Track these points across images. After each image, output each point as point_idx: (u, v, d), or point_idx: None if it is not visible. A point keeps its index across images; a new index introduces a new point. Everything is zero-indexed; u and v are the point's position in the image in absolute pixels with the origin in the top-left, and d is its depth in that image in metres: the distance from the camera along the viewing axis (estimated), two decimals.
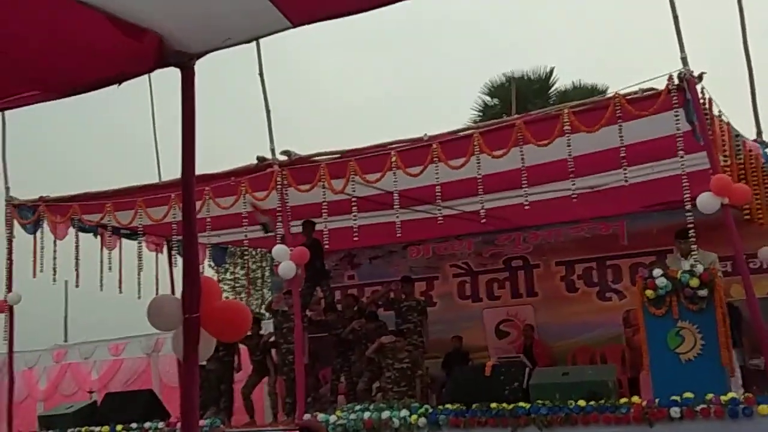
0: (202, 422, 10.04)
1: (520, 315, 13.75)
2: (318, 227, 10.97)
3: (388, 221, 10.29)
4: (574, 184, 8.42)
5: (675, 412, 7.73)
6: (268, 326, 13.27)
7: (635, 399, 8.16)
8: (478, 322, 13.99)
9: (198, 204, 9.76)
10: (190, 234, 3.52)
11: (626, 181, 8.23)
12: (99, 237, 11.98)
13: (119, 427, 10.87)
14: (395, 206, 9.16)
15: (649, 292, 8.30)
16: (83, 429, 11.10)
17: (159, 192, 10.47)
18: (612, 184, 10.29)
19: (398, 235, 9.27)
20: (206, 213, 10.09)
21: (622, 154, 7.97)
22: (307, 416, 9.58)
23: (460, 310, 14.22)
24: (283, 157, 10.00)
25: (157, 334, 15.38)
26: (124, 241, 12.20)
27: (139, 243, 11.38)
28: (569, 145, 8.08)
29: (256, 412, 12.41)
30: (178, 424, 10.33)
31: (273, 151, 9.97)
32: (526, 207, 8.70)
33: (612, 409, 8.06)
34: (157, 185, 10.75)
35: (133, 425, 10.88)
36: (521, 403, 8.55)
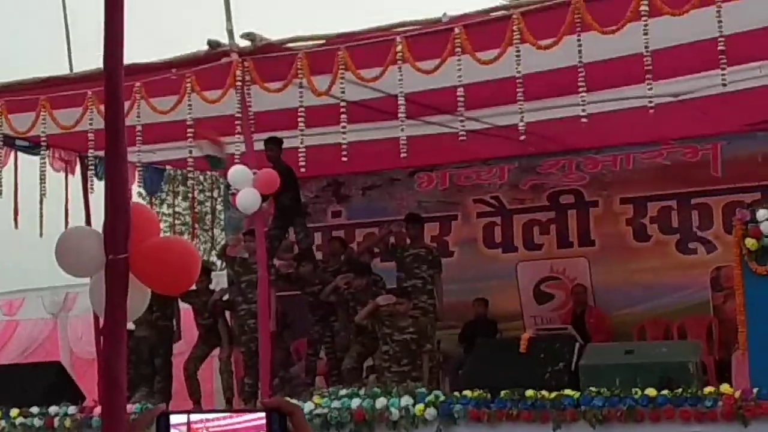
0: (130, 407, 10.16)
1: (569, 272, 13.82)
2: (291, 144, 10.94)
3: (389, 137, 10.26)
4: (651, 89, 8.36)
5: None
6: (220, 280, 13.35)
7: (725, 388, 8.26)
8: (510, 281, 14.06)
9: (126, 105, 9.72)
10: (116, 145, 3.49)
11: (725, 86, 8.18)
12: None
13: (14, 411, 11.01)
14: (400, 116, 9.12)
15: (750, 243, 8.32)
16: None
17: (70, 88, 10.40)
18: (704, 90, 10.24)
19: (403, 156, 9.25)
20: (136, 120, 10.06)
21: (721, 47, 7.90)
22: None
23: (486, 263, 14.28)
24: (246, 43, 9.92)
25: (67, 287, 15.46)
26: (22, 156, 12.17)
27: (42, 159, 11.34)
28: (646, 34, 8.01)
29: (204, 395, 12.56)
30: (96, 410, 10.48)
31: (231, 33, 9.89)
32: (584, 121, 8.67)
33: (693, 402, 8.16)
34: (68, 78, 10.67)
35: (34, 410, 11.02)
36: (568, 391, 8.65)
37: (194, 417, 1.69)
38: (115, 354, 3.46)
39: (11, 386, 11.61)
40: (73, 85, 10.48)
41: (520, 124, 8.82)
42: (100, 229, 3.39)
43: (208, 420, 1.68)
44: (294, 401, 9.64)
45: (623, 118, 11.07)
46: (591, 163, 13.76)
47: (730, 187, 12.83)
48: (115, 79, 3.61)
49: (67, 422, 10.77)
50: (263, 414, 1.64)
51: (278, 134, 11.35)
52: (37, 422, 10.88)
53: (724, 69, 8.15)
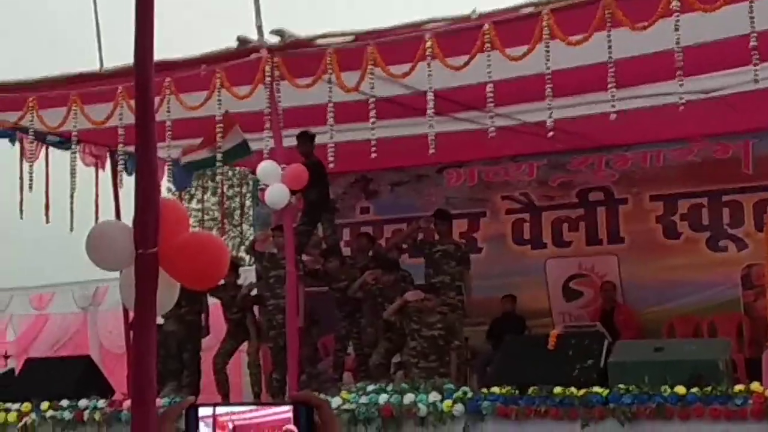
0: (158, 401, 10.23)
1: (598, 269, 13.78)
2: (320, 140, 10.96)
3: (417, 134, 10.26)
4: (681, 86, 8.31)
5: None
6: (248, 275, 13.40)
7: (756, 387, 8.22)
8: (539, 277, 14.05)
9: (155, 101, 9.79)
10: (147, 140, 3.52)
11: (757, 82, 8.12)
12: (17, 144, 12.04)
13: (45, 404, 11.09)
14: (429, 112, 9.11)
15: None
16: None
17: (101, 84, 10.46)
18: (735, 87, 10.17)
19: (432, 153, 9.24)
20: (166, 115, 10.10)
21: (753, 43, 7.85)
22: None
23: (514, 259, 14.27)
24: (275, 39, 9.93)
25: (97, 282, 15.58)
26: (53, 151, 12.26)
27: (73, 154, 11.42)
28: (677, 30, 7.96)
29: (232, 390, 12.62)
30: (125, 403, 10.54)
31: (260, 29, 9.91)
32: (613, 118, 8.63)
33: (723, 400, 8.12)
34: (99, 74, 10.73)
35: (64, 402, 11.10)
36: (596, 389, 8.63)
37: (220, 410, 1.70)
38: (145, 347, 3.49)
39: (41, 380, 11.70)
40: (103, 81, 10.53)
41: (549, 120, 8.79)
42: (130, 224, 3.42)
43: (234, 413, 1.69)
44: (321, 396, 9.68)
45: (653, 114, 11.02)
46: (621, 160, 13.71)
47: (761, 184, 12.75)
48: (145, 74, 3.64)
49: (97, 415, 10.83)
50: (290, 407, 1.64)
51: (306, 130, 11.37)
52: (67, 415, 10.95)
53: (756, 65, 8.08)
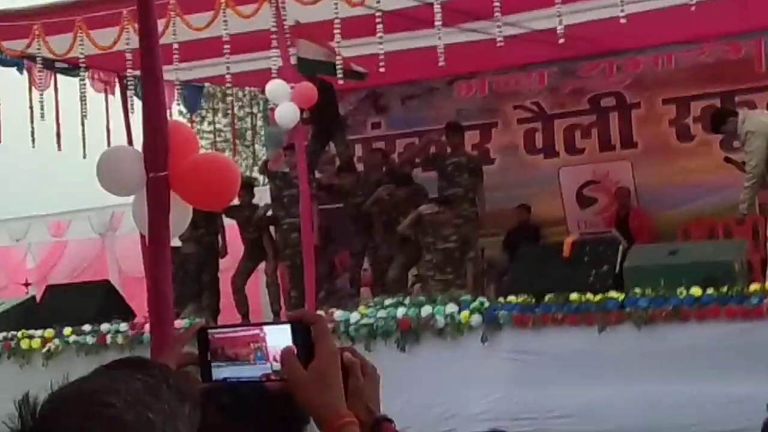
0: (179, 323, 10.35)
1: (612, 175, 13.76)
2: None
3: (426, 46, 10.19)
4: None
5: None
6: (263, 195, 13.45)
7: None
8: (553, 186, 14.03)
9: (160, 24, 9.74)
10: (152, 64, 3.52)
11: None
12: (25, 73, 12.02)
13: (68, 330, 11.24)
14: (437, 23, 9.04)
15: None
16: (19, 334, 11.48)
17: (105, 7, 10.39)
18: None
19: (441, 65, 9.21)
20: (172, 38, 10.04)
21: None
22: (319, 313, 9.83)
23: (527, 168, 14.25)
24: None
25: (113, 207, 15.65)
26: (61, 78, 12.24)
27: (82, 81, 11.41)
28: None
29: (252, 309, 12.74)
30: (147, 326, 10.67)
31: None
32: (623, 22, 8.55)
33: (738, 300, 8.17)
34: None
35: (86, 327, 11.23)
36: (612, 293, 8.69)
37: (218, 330, 1.73)
38: (160, 269, 3.54)
39: (63, 306, 11.85)
40: (108, 4, 10.46)
41: (559, 27, 8.73)
42: (140, 149, 3.44)
43: (225, 333, 1.72)
44: (339, 312, 9.78)
45: (664, 16, 10.88)
46: (632, 64, 13.58)
47: None
48: None
49: (120, 339, 10.98)
50: (288, 326, 1.68)
51: None
52: (90, 339, 11.09)
53: None
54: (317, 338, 1.66)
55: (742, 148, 10.09)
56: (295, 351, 1.64)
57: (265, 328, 1.68)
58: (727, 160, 11.15)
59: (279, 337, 1.67)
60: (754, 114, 10.17)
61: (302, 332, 1.66)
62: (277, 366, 1.66)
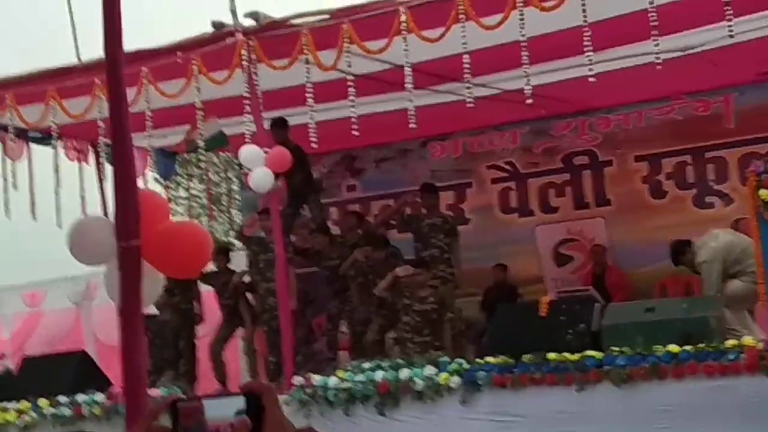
0: (156, 392, 10.25)
1: (587, 233, 13.81)
2: (301, 120, 10.95)
3: (398, 109, 10.26)
4: (657, 45, 8.33)
5: None
6: (240, 260, 13.42)
7: (748, 341, 8.26)
8: (529, 245, 14.07)
9: (132, 92, 9.82)
10: (121, 133, 3.53)
11: (732, 36, 8.13)
12: None
13: (43, 402, 11.10)
14: (408, 87, 9.11)
15: (765, 194, 8.29)
16: None
17: (78, 77, 10.44)
18: (712, 43, 10.18)
19: (413, 127, 9.26)
20: (145, 105, 10.08)
21: None
22: (298, 379, 9.77)
23: (503, 228, 14.29)
24: (250, 22, 9.92)
25: (89, 276, 15.56)
26: (35, 147, 12.24)
27: (55, 150, 11.40)
28: None
29: (230, 375, 12.65)
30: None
31: (234, 13, 9.90)
32: (592, 81, 8.65)
33: (716, 356, 8.14)
34: (75, 68, 10.70)
35: (63, 399, 11.10)
36: (590, 353, 8.66)
37: (185, 404, 1.72)
38: (133, 339, 3.52)
39: (38, 377, 11.69)
40: (80, 75, 10.50)
41: (527, 87, 8.80)
42: (111, 218, 3.44)
43: (195, 403, 1.72)
44: (318, 377, 9.72)
45: (632, 75, 11.03)
46: (603, 122, 13.72)
47: (744, 138, 12.77)
48: (115, 65, 3.65)
49: (96, 410, 10.84)
50: (241, 397, 1.68)
51: (288, 111, 11.34)
52: (66, 411, 10.96)
53: (730, 20, 8.10)
54: (266, 409, 1.65)
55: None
56: (249, 424, 1.64)
57: (205, 401, 1.68)
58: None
59: (220, 409, 1.67)
60: (706, 240, 10.46)
61: (253, 403, 1.66)
62: None
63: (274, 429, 1.64)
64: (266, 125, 10.56)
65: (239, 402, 1.68)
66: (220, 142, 10.85)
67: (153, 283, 3.53)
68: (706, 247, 10.30)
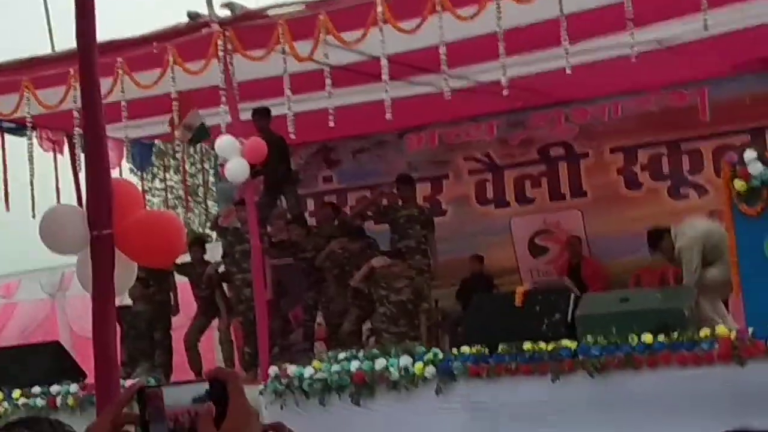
0: (130, 382, 10.22)
1: (562, 224, 13.87)
2: (277, 111, 10.95)
3: (375, 100, 10.25)
4: (633, 37, 8.36)
5: None
6: (215, 251, 13.40)
7: (721, 330, 8.31)
8: (505, 236, 14.12)
9: (108, 82, 9.78)
10: (93, 121, 3.52)
11: (707, 29, 8.17)
12: None
13: (17, 392, 11.06)
14: (384, 78, 9.11)
15: (739, 184, 8.35)
16: None
17: (52, 67, 10.38)
18: (688, 36, 10.23)
19: (389, 118, 9.25)
20: (120, 96, 10.05)
21: None
22: (273, 369, 9.77)
23: (479, 219, 14.33)
24: (226, 12, 9.89)
25: (63, 267, 15.50)
26: (9, 138, 12.17)
27: (30, 140, 11.34)
28: None
29: (205, 366, 12.63)
30: None
31: (210, 3, 9.87)
32: (568, 73, 8.67)
33: (689, 346, 8.21)
34: (49, 58, 10.65)
35: (36, 390, 11.07)
36: (565, 342, 8.70)
37: (153, 390, 1.73)
38: (105, 328, 3.51)
39: (11, 368, 11.63)
40: (55, 65, 10.44)
41: (503, 78, 8.83)
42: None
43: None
44: (293, 368, 9.72)
45: (609, 67, 11.06)
46: (579, 114, 13.75)
47: (719, 131, 12.85)
48: (88, 54, 3.64)
49: (70, 400, 10.82)
50: (207, 384, 1.69)
51: (264, 102, 11.34)
52: (39, 402, 10.93)
53: (705, 12, 8.14)
54: (230, 396, 1.66)
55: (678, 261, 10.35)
56: (213, 410, 1.64)
57: (165, 388, 1.69)
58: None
59: (179, 396, 1.67)
60: (683, 228, 10.45)
61: (217, 390, 1.66)
62: (171, 425, 1.67)
63: (238, 415, 1.65)
64: (242, 116, 10.52)
65: (199, 389, 1.68)
66: (201, 135, 10.80)
67: (126, 272, 3.52)
68: (684, 235, 10.32)
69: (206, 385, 1.68)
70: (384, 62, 9.10)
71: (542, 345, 8.77)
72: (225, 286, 12.71)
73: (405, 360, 9.31)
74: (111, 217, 3.38)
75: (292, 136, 9.90)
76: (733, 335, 8.17)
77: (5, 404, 11.02)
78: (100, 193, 3.38)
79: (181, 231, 3.66)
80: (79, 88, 8.19)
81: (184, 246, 3.67)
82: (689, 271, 10.08)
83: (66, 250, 3.59)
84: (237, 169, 10.06)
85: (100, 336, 3.46)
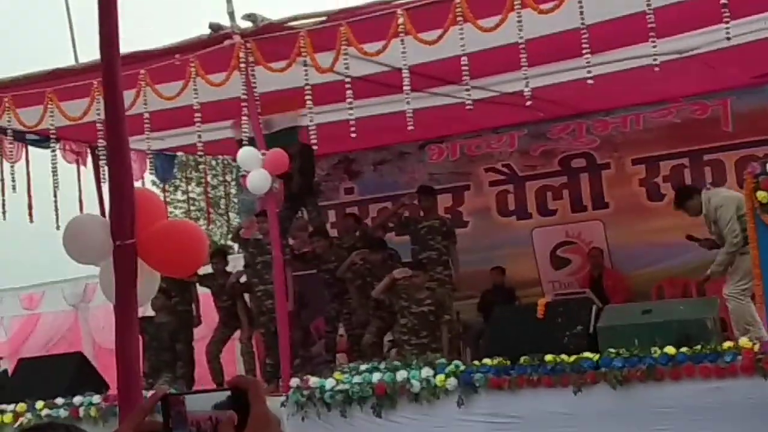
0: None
1: (584, 235, 13.83)
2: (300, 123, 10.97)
3: (396, 111, 10.27)
4: (655, 47, 8.34)
5: None
6: (237, 263, 13.42)
7: (744, 342, 8.26)
8: (526, 248, 14.09)
9: (131, 94, 9.82)
10: (117, 133, 3.53)
11: (729, 39, 8.14)
12: None
13: (40, 404, 11.09)
14: (405, 89, 9.11)
15: (762, 195, 8.32)
16: None
17: (75, 79, 10.43)
18: (710, 46, 10.19)
19: (411, 129, 9.25)
20: (143, 108, 10.08)
21: (723, 1, 7.87)
22: (295, 380, 9.76)
23: (501, 231, 14.31)
24: (247, 24, 9.92)
25: (86, 278, 15.58)
26: (33, 150, 12.23)
27: (53, 152, 11.40)
28: None
29: (227, 377, 12.63)
30: None
31: (232, 15, 9.90)
32: (590, 83, 8.66)
33: (712, 358, 8.15)
34: (73, 70, 10.70)
35: (59, 401, 11.10)
36: (587, 354, 8.66)
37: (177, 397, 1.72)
38: (128, 338, 3.52)
39: (35, 379, 11.70)
40: (78, 77, 10.49)
41: (526, 90, 8.81)
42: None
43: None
44: (315, 379, 9.71)
45: (630, 78, 11.03)
46: (601, 125, 13.74)
47: (741, 141, 12.80)
48: (112, 66, 3.65)
49: (93, 411, 10.84)
50: (229, 392, 1.68)
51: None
52: (62, 413, 10.95)
53: (727, 23, 8.11)
54: (252, 404, 1.65)
55: (712, 224, 10.16)
56: (235, 418, 1.64)
57: (188, 396, 1.68)
58: (690, 237, 11.23)
59: (201, 403, 1.67)
60: (718, 191, 10.34)
61: (239, 398, 1.66)
62: (194, 431, 1.66)
63: (259, 424, 1.64)
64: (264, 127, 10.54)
65: (220, 396, 1.68)
66: (291, 138, 10.76)
67: (149, 282, 3.53)
68: (718, 195, 10.12)
69: (228, 393, 1.67)
70: (405, 73, 9.10)
71: (564, 357, 8.74)
72: (247, 297, 12.73)
73: (426, 372, 9.29)
74: (134, 226, 3.38)
75: (314, 148, 9.92)
76: (756, 347, 8.11)
77: (28, 415, 11.05)
78: (123, 202, 3.40)
79: (204, 240, 3.67)
80: (102, 100, 8.24)
81: (206, 255, 3.67)
82: (728, 226, 9.81)
83: (89, 260, 3.60)
84: (258, 180, 10.08)
85: (123, 345, 3.47)
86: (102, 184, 12.58)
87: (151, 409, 1.74)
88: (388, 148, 14.70)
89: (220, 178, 18.57)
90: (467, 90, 9.17)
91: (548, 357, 8.77)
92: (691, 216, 10.52)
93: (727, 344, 8.30)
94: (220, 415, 1.65)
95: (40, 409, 11.07)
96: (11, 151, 11.74)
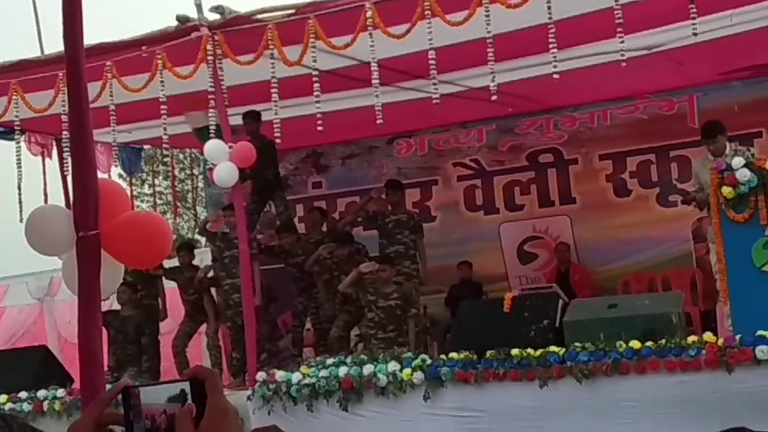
0: None
1: (551, 230, 13.88)
2: (266, 116, 10.93)
3: (364, 105, 10.26)
4: (623, 43, 8.38)
5: (763, 352, 7.88)
6: (204, 256, 13.38)
7: (708, 337, 8.31)
8: (494, 242, 14.13)
9: (96, 86, 9.76)
10: (80, 124, 3.51)
11: (696, 35, 8.20)
12: None
13: (3, 397, 11.03)
14: (374, 83, 9.11)
15: (727, 191, 8.36)
16: None
17: (41, 71, 10.35)
18: (677, 42, 10.26)
19: (379, 123, 9.26)
20: (109, 100, 10.03)
21: None
22: (261, 374, 9.75)
23: (468, 226, 14.33)
24: (215, 16, 9.87)
25: (52, 272, 15.46)
26: None
27: (18, 144, 11.31)
28: None
29: None
30: None
31: (199, 6, 9.84)
32: (556, 79, 8.69)
33: (677, 352, 8.20)
34: (39, 61, 10.62)
35: (23, 395, 11.03)
36: (553, 348, 8.70)
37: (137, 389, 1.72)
38: (91, 330, 3.49)
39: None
40: (44, 68, 10.41)
41: (492, 84, 8.83)
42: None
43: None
44: (282, 373, 9.70)
45: (597, 73, 11.09)
46: (568, 121, 13.80)
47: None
48: (76, 58, 3.63)
49: (57, 405, 10.77)
50: (185, 384, 1.68)
51: (254, 107, 11.32)
52: (26, 407, 10.88)
53: (694, 19, 8.17)
54: (209, 394, 1.65)
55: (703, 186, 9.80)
56: (194, 410, 1.63)
57: (142, 388, 1.68)
58: (681, 193, 11.05)
59: (156, 395, 1.66)
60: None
61: (197, 388, 1.66)
62: (149, 424, 1.65)
63: (216, 414, 1.64)
64: (231, 121, 10.50)
65: (174, 389, 1.67)
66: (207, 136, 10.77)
67: (112, 273, 3.51)
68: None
69: (183, 385, 1.67)
70: (374, 67, 9.10)
71: (530, 351, 8.76)
72: (213, 291, 12.68)
73: (393, 366, 9.31)
74: (97, 217, 3.36)
75: (278, 141, 9.90)
76: (720, 342, 8.17)
77: None
78: (86, 193, 3.37)
79: (168, 232, 3.65)
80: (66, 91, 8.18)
81: (170, 247, 3.65)
82: None
83: (52, 251, 3.58)
84: (225, 173, 10.04)
85: (86, 337, 3.44)
86: (67, 177, 12.47)
87: (112, 400, 1.73)
88: (356, 143, 14.69)
89: (188, 172, 18.51)
90: (434, 84, 9.19)
91: (514, 351, 8.80)
92: (713, 154, 9.73)
93: (692, 338, 8.35)
94: (174, 407, 1.64)
95: (4, 403, 10.99)
96: None
